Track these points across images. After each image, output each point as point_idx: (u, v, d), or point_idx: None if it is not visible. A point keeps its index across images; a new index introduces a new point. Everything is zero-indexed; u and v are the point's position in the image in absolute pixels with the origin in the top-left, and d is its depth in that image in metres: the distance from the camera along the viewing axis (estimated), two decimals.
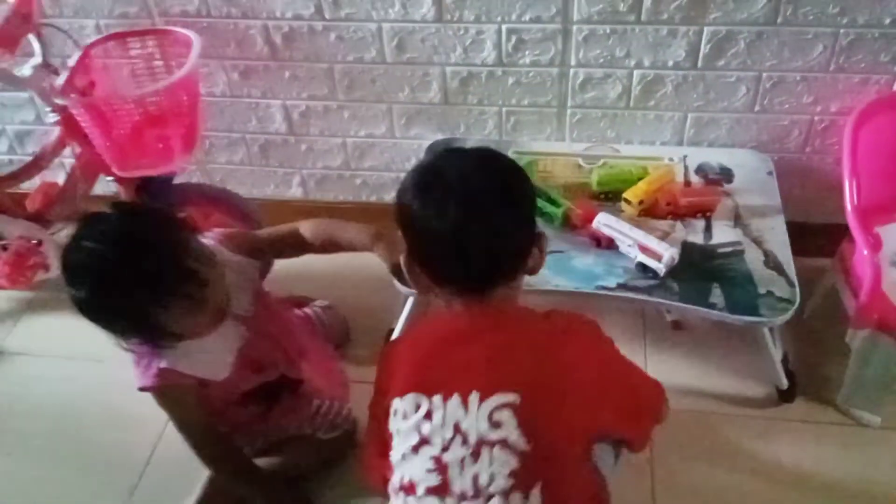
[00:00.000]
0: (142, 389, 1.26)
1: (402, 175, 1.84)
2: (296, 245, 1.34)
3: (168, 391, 1.26)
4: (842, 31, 1.47)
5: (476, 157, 1.03)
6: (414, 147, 1.83)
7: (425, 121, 1.78)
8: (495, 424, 0.94)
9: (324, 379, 1.54)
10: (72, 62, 1.54)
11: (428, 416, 0.97)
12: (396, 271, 1.20)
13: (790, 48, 1.51)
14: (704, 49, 1.54)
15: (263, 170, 1.95)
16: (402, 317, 1.66)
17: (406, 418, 0.99)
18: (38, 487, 1.56)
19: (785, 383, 1.51)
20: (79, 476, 1.56)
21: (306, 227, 1.33)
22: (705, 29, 1.52)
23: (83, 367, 1.76)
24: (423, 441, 0.97)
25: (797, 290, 1.37)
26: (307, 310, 1.73)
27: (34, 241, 1.75)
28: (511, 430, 0.93)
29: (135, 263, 1.08)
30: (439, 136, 1.79)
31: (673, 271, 1.41)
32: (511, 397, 0.94)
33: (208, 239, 1.29)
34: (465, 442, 0.95)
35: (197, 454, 1.33)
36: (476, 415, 0.94)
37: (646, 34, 1.54)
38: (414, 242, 1.02)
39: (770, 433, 1.51)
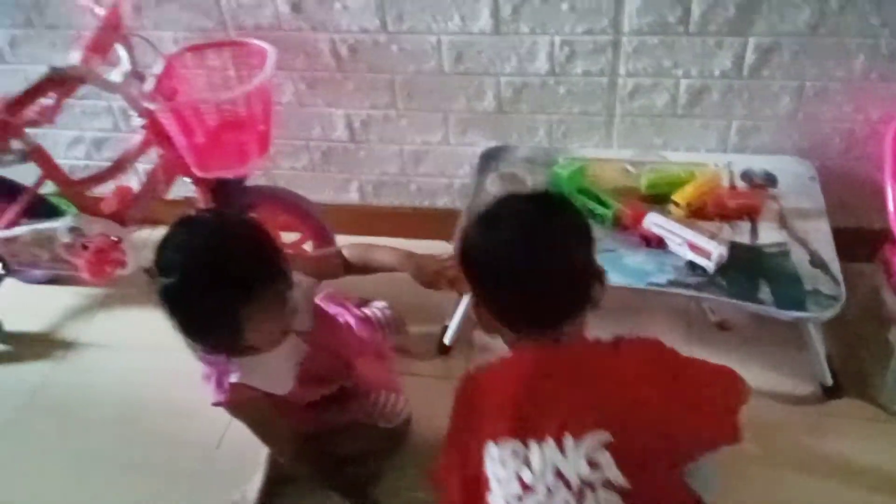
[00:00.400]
0: (216, 405, 1.30)
1: (456, 181, 1.98)
2: (339, 266, 1.42)
3: (241, 405, 1.31)
4: (883, 41, 1.54)
5: (537, 200, 1.07)
6: (468, 154, 1.92)
7: (479, 128, 1.87)
8: (593, 465, 0.94)
9: (379, 374, 1.62)
10: (157, 70, 1.66)
11: (527, 462, 0.97)
12: (428, 286, 1.34)
13: (832, 58, 1.58)
14: (749, 59, 1.62)
15: (324, 175, 2.06)
16: (457, 315, 1.75)
17: (505, 465, 0.98)
18: (108, 475, 1.64)
19: (830, 380, 1.56)
20: (145, 464, 1.65)
21: (347, 250, 1.42)
22: (750, 40, 1.60)
23: (154, 358, 1.86)
24: (527, 489, 0.96)
25: (842, 287, 1.44)
26: (366, 310, 1.82)
27: (114, 239, 1.87)
28: (610, 470, 0.94)
29: (230, 256, 1.12)
30: (493, 144, 1.88)
31: (721, 269, 1.48)
32: (604, 436, 0.95)
33: None
34: (568, 486, 0.94)
35: (282, 459, 1.43)
36: (573, 457, 0.95)
37: (693, 45, 1.63)
38: (480, 286, 1.05)
39: (817, 430, 1.56)
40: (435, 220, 2.01)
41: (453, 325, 1.77)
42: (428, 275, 1.35)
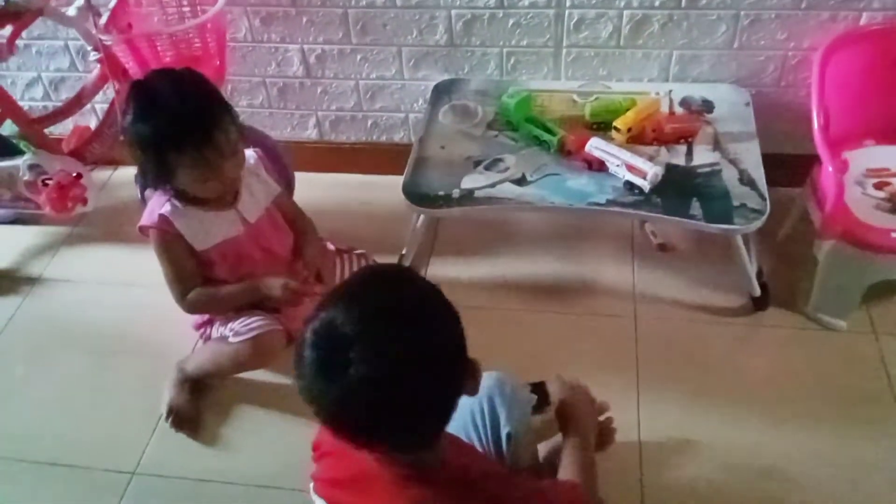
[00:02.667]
0: (142, 228, 1.48)
1: (411, 116, 2.04)
2: (298, 230, 1.62)
3: (162, 235, 1.47)
4: None
5: (385, 312, 0.83)
6: (421, 88, 1.97)
7: (432, 63, 1.93)
8: None
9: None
10: (111, 4, 1.68)
11: None
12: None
13: None
14: None
15: (281, 112, 2.10)
16: (411, 243, 1.82)
17: None
18: (69, 406, 1.69)
19: (757, 291, 1.67)
20: (105, 400, 1.69)
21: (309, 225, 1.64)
22: None
23: (115, 292, 1.93)
24: None
25: (767, 202, 1.54)
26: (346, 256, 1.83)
27: (74, 175, 1.91)
28: None
29: (193, 90, 1.35)
30: (445, 77, 1.94)
31: (657, 189, 1.57)
32: None
33: (251, 151, 1.47)
34: None
35: (179, 301, 1.52)
36: None
37: None
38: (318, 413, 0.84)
39: (746, 338, 1.67)
40: (392, 155, 2.07)
41: (409, 253, 1.84)
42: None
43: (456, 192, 1.65)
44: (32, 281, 1.98)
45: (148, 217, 1.47)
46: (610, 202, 1.57)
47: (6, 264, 2.03)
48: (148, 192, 1.53)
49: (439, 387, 0.85)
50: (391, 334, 0.80)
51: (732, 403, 1.54)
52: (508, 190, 1.63)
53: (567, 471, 1.13)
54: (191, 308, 1.55)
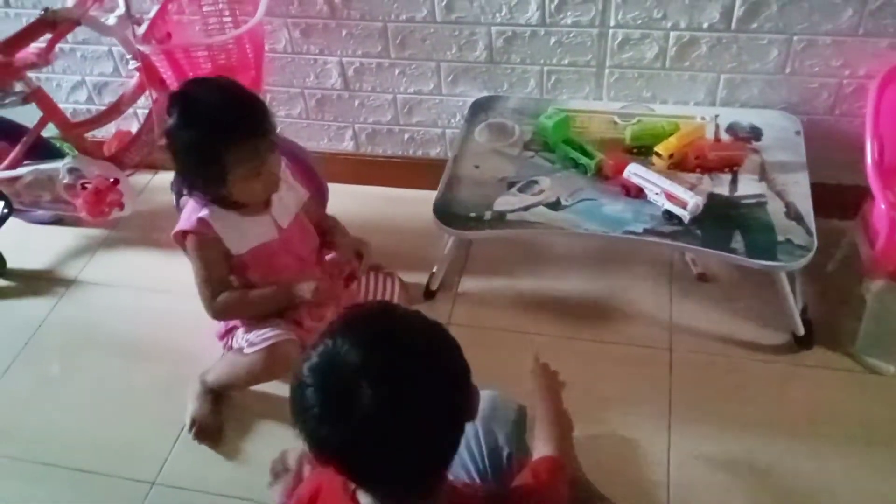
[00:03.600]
0: (179, 233, 1.47)
1: (448, 131, 2.00)
2: (326, 228, 1.63)
3: (200, 238, 1.46)
4: None
5: (387, 335, 0.80)
6: (459, 104, 1.94)
7: (471, 79, 1.89)
8: None
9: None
10: (151, 14, 1.69)
11: None
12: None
13: (820, 12, 1.58)
14: (738, 11, 1.62)
15: (318, 123, 2.09)
16: (443, 262, 1.79)
17: None
18: (94, 411, 1.69)
19: (801, 329, 1.59)
20: (131, 407, 1.70)
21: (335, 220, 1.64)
22: None
23: (147, 298, 1.94)
24: None
25: (814, 239, 1.46)
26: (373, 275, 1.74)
27: (111, 180, 1.92)
28: None
29: (234, 91, 1.38)
30: (484, 94, 1.90)
31: (697, 219, 1.51)
32: None
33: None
34: None
35: (208, 304, 1.51)
36: None
37: None
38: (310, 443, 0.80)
39: (786, 377, 1.59)
40: (428, 170, 2.04)
41: (439, 272, 1.81)
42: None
43: (488, 214, 1.61)
44: (68, 283, 2.01)
45: (186, 221, 1.48)
46: (647, 231, 1.52)
47: (44, 265, 2.06)
48: (183, 199, 1.53)
49: (451, 415, 0.81)
50: (399, 365, 0.77)
51: (769, 445, 1.47)
52: (542, 214, 1.59)
53: (547, 443, 1.12)
54: (220, 312, 1.53)
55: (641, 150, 1.68)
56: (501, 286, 1.86)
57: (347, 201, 1.95)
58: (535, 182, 1.66)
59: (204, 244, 1.48)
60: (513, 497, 1.01)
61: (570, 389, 1.58)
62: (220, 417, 1.63)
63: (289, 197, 1.54)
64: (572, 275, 1.86)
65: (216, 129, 1.34)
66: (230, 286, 1.53)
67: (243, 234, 1.49)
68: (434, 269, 1.82)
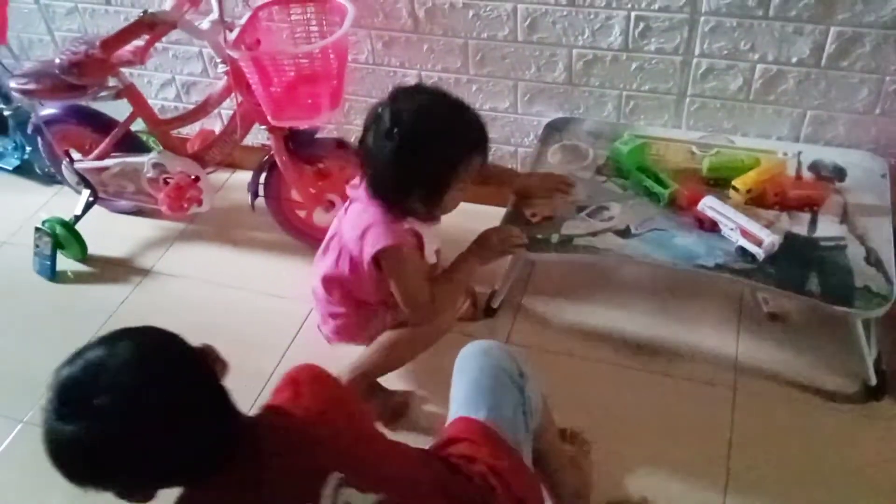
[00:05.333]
0: (383, 249, 1.41)
1: (521, 150, 2.00)
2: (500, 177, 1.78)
3: (410, 249, 1.46)
4: None
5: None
6: (533, 123, 1.94)
7: (547, 99, 1.89)
8: None
9: None
10: (242, 21, 1.75)
11: None
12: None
13: None
14: (830, 48, 1.58)
15: None
16: (506, 280, 1.79)
17: None
18: None
19: (874, 379, 1.53)
20: None
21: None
22: (832, 29, 1.55)
23: (219, 293, 1.99)
24: None
25: (894, 287, 1.40)
26: None
27: (192, 177, 1.99)
28: None
29: (466, 109, 1.40)
30: (559, 115, 1.90)
31: (772, 258, 1.47)
32: None
33: None
34: None
35: (428, 305, 1.49)
36: None
37: (772, 29, 1.60)
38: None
39: (855, 428, 1.54)
40: (497, 187, 2.05)
41: (503, 289, 1.81)
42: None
43: (555, 238, 1.60)
44: (144, 272, 2.09)
45: (391, 236, 1.42)
46: (719, 266, 1.48)
47: (123, 253, 2.15)
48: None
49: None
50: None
51: (832, 496, 1.42)
52: (610, 241, 1.57)
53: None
54: (440, 307, 1.52)
55: (718, 183, 1.64)
56: (563, 309, 1.85)
57: None
58: (606, 208, 1.64)
59: (414, 253, 1.49)
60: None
61: (625, 420, 1.57)
62: (396, 395, 1.67)
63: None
64: (637, 304, 1.83)
65: (461, 141, 1.36)
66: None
67: (430, 243, 1.54)
68: (496, 287, 1.82)
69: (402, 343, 1.55)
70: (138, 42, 1.74)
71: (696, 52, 1.69)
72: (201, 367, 0.98)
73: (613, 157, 1.73)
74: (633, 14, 1.68)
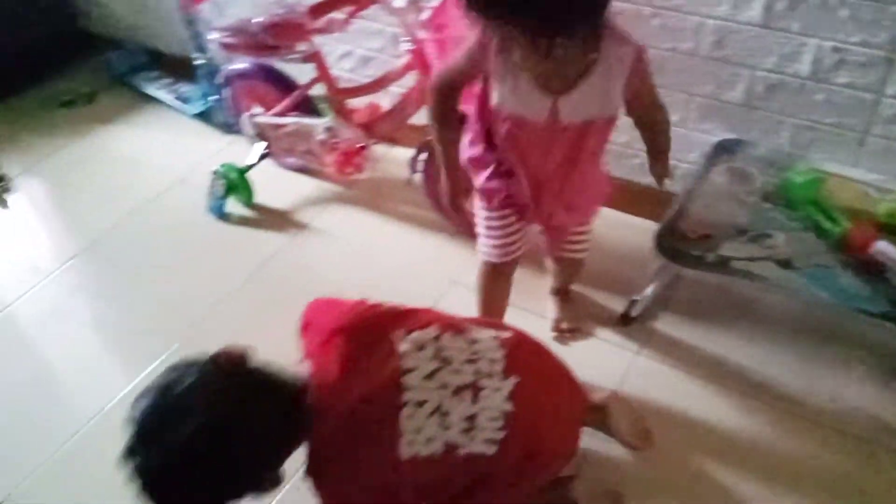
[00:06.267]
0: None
1: (682, 165, 1.98)
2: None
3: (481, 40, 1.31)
4: None
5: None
6: (700, 141, 1.92)
7: (720, 118, 1.86)
8: None
9: None
10: (434, 3, 1.83)
11: None
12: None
13: None
14: None
15: None
16: (648, 291, 1.78)
17: None
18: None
19: None
20: None
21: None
22: None
23: (364, 259, 2.10)
24: None
25: None
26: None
27: (358, 146, 2.10)
28: None
29: None
30: (729, 136, 1.86)
31: None
32: None
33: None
34: None
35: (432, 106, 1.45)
36: None
37: None
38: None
39: None
40: (648, 199, 2.04)
41: (642, 301, 1.81)
42: None
43: (711, 256, 1.59)
44: (301, 226, 2.23)
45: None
46: (884, 315, 1.43)
47: (285, 206, 2.30)
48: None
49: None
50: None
51: None
52: (770, 269, 1.54)
53: None
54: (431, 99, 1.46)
55: (893, 230, 1.57)
56: (701, 331, 1.82)
57: None
58: (769, 236, 1.61)
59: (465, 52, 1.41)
60: None
61: (753, 458, 1.54)
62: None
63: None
64: (781, 340, 1.77)
65: None
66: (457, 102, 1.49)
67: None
68: (636, 297, 1.82)
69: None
70: (338, 14, 1.85)
71: (890, 92, 1.62)
72: (266, 378, 1.14)
73: (784, 186, 1.69)
74: (827, 44, 1.63)
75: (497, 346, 1.26)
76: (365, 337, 1.21)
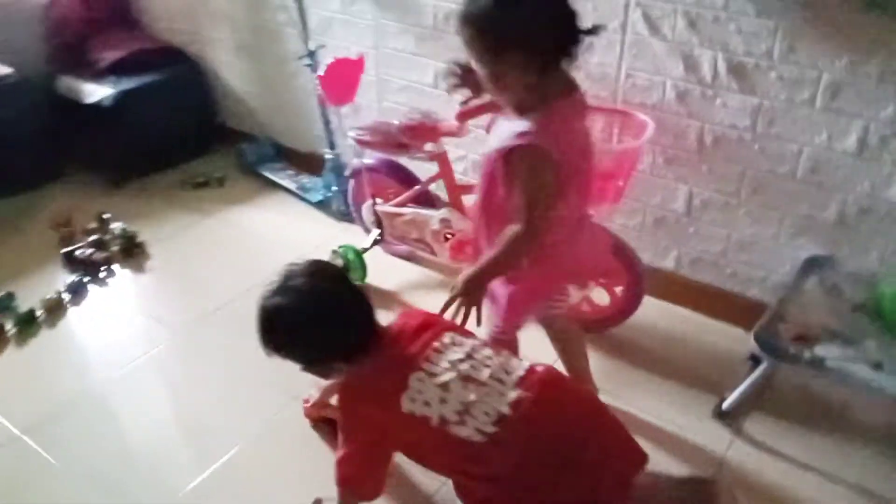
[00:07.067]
0: (517, 146, 1.48)
1: (772, 277, 2.13)
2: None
3: (546, 150, 1.47)
4: None
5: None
6: (792, 255, 2.08)
7: (812, 236, 2.03)
8: None
9: None
10: None
11: None
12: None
13: None
14: None
15: (649, 238, 2.33)
16: (740, 389, 1.90)
17: None
18: None
19: None
20: None
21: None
22: None
23: None
24: None
25: None
26: None
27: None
28: None
29: None
30: (820, 253, 2.02)
31: None
32: None
33: None
34: None
35: (531, 216, 1.51)
36: None
37: None
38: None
39: None
40: (739, 308, 2.19)
41: (736, 396, 1.91)
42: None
43: (807, 354, 1.71)
44: (408, 306, 2.42)
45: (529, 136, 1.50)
46: None
47: (393, 287, 2.51)
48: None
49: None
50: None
51: None
52: (863, 371, 1.66)
53: None
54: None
55: None
56: (784, 436, 1.89)
57: (651, 313, 2.21)
58: (861, 343, 1.73)
59: (548, 156, 1.52)
60: None
61: None
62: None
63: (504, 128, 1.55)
64: (868, 454, 1.83)
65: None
66: None
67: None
68: (726, 396, 1.93)
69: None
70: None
71: None
72: (359, 289, 1.59)
73: (876, 298, 1.82)
74: None
75: (523, 366, 1.52)
76: (431, 325, 1.58)
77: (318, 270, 1.57)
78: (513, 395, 1.44)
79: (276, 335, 1.52)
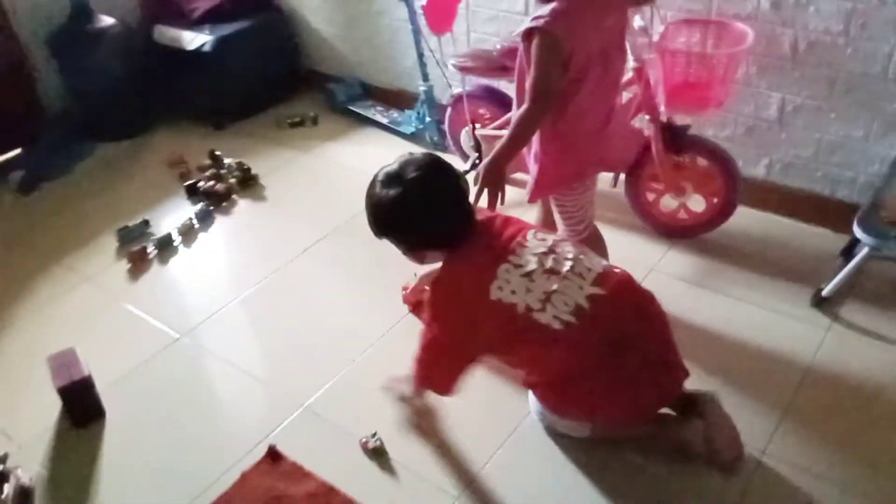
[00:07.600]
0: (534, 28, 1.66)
1: (861, 177, 2.25)
2: None
3: (555, 34, 1.64)
4: None
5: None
6: (882, 154, 2.19)
7: None
8: None
9: None
10: (658, 31, 2.21)
11: None
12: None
13: None
14: None
15: (740, 147, 2.43)
16: (842, 272, 2.03)
17: None
18: None
19: None
20: None
21: None
22: None
23: None
24: None
25: None
26: None
27: None
28: None
29: None
30: None
31: None
32: None
33: None
34: None
35: (536, 91, 1.68)
36: None
37: None
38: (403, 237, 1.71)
39: None
40: (828, 210, 2.32)
41: (835, 283, 2.05)
42: None
43: None
44: None
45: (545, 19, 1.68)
46: None
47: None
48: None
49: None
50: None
51: None
52: None
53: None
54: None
55: None
56: (885, 320, 2.03)
57: (743, 221, 2.35)
58: None
59: (560, 40, 1.68)
60: None
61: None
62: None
63: None
64: None
65: None
66: None
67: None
68: (822, 286, 2.07)
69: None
70: None
71: None
72: (463, 187, 1.68)
73: None
74: None
75: (602, 264, 1.66)
76: (514, 222, 1.71)
77: (431, 163, 1.67)
78: (591, 290, 1.59)
79: (385, 220, 1.67)
